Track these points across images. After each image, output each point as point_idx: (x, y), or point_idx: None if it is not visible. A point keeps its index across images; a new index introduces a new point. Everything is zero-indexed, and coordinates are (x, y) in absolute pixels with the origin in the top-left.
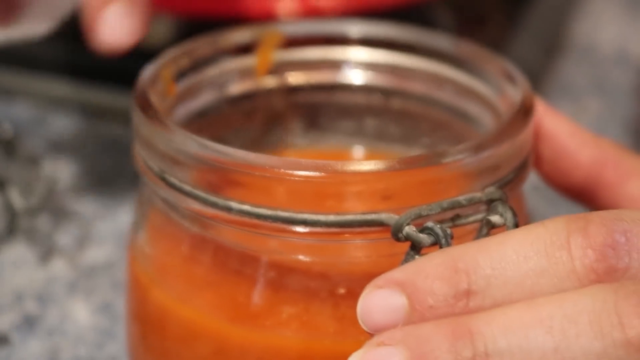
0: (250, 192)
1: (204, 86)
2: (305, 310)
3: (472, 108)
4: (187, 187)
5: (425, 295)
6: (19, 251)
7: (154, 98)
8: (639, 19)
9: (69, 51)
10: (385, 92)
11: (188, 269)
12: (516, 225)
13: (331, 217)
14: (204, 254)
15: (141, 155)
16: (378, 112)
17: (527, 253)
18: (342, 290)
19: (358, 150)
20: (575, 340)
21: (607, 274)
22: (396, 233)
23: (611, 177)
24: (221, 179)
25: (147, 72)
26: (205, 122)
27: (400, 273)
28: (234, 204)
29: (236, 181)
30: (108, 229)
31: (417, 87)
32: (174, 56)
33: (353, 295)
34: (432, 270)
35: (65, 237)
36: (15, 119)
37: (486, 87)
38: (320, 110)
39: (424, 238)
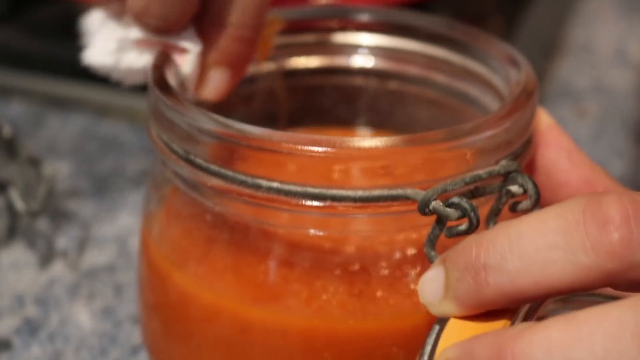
0: (261, 168)
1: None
2: (325, 288)
3: (474, 90)
4: (213, 166)
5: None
6: (19, 254)
7: (171, 78)
8: (636, 20)
9: (68, 50)
10: (384, 75)
11: (209, 251)
12: (538, 193)
13: (359, 193)
14: (225, 233)
15: (160, 135)
16: (378, 95)
17: (542, 229)
18: (364, 268)
19: (361, 131)
20: (619, 358)
21: (622, 243)
22: (423, 208)
23: None
24: (237, 155)
25: (162, 53)
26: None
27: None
28: (264, 182)
29: (253, 157)
30: (109, 231)
31: (417, 70)
32: None
33: (376, 272)
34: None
35: (65, 240)
36: (14, 118)
37: (488, 69)
38: (320, 93)
39: (452, 212)
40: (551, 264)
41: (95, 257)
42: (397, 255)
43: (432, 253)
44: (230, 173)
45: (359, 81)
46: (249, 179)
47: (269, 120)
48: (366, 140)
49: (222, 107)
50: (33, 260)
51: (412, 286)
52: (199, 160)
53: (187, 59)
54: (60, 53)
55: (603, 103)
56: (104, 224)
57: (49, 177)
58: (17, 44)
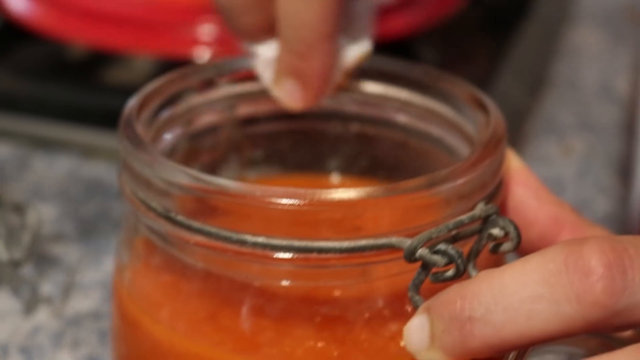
0: (231, 220)
1: (172, 122)
2: (306, 337)
3: (441, 132)
4: (196, 223)
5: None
6: (3, 301)
7: (140, 129)
8: (622, 55)
9: (54, 91)
10: (348, 118)
11: (186, 301)
12: (519, 236)
13: (345, 244)
14: (203, 284)
15: (134, 191)
16: (343, 139)
17: (525, 280)
18: (346, 317)
19: (330, 178)
20: None
21: (605, 293)
22: (410, 256)
23: (567, 239)
24: (207, 207)
25: (132, 103)
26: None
27: None
28: (249, 237)
29: (222, 209)
30: (93, 277)
31: (381, 112)
32: (156, 88)
33: (358, 320)
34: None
35: (50, 286)
36: None
37: (454, 111)
38: (284, 139)
39: (439, 259)
40: (535, 315)
41: (80, 303)
42: (379, 303)
43: (417, 297)
44: (214, 230)
45: (323, 126)
46: (234, 235)
47: (232, 168)
48: (345, 192)
49: (187, 158)
50: (17, 308)
51: (394, 334)
52: (180, 218)
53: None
54: (46, 94)
55: (588, 140)
56: (89, 269)
57: (34, 224)
58: (2, 85)
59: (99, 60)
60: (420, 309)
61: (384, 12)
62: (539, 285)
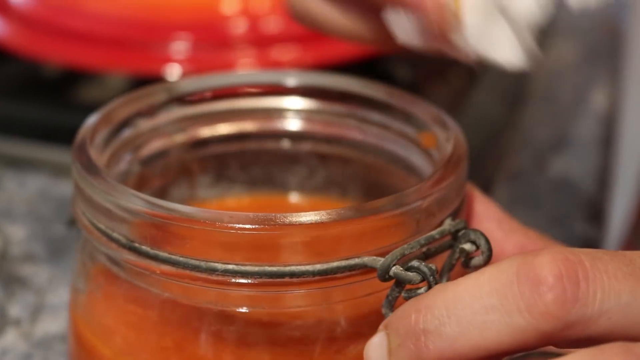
0: (190, 247)
1: (123, 147)
2: None
3: (400, 150)
4: (163, 253)
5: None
6: None
7: (94, 151)
8: (598, 70)
9: (24, 110)
10: (302, 138)
11: (146, 330)
12: (490, 249)
13: (318, 267)
14: (162, 311)
15: (83, 212)
16: (298, 158)
17: (478, 292)
18: (318, 340)
19: (285, 198)
20: None
21: (555, 304)
22: (383, 275)
23: None
24: (167, 235)
25: (85, 128)
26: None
27: None
28: (219, 265)
29: (182, 236)
30: (63, 298)
31: (337, 131)
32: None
33: (329, 343)
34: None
35: (18, 308)
36: None
37: (414, 130)
38: (237, 160)
39: (413, 276)
40: (488, 327)
41: (49, 325)
42: (343, 326)
43: (390, 314)
44: (182, 259)
45: (275, 145)
46: (203, 263)
47: (184, 192)
48: (312, 215)
49: (139, 183)
50: None
51: (357, 357)
52: (145, 248)
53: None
54: (18, 113)
55: (564, 155)
56: (58, 290)
57: (1, 246)
58: None
59: (72, 79)
60: (380, 325)
61: None
62: (491, 296)
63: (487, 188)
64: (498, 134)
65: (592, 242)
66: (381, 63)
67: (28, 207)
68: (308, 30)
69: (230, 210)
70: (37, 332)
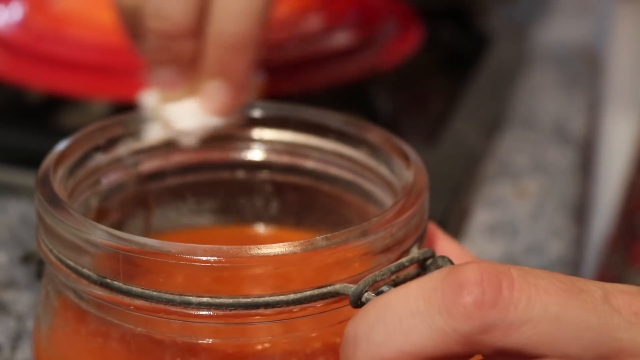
0: (153, 277)
1: (82, 181)
2: None
3: (357, 180)
4: (136, 288)
5: None
6: None
7: (57, 185)
8: (576, 97)
9: (5, 136)
10: (255, 167)
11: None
12: None
13: (292, 296)
14: (126, 344)
15: (50, 248)
16: (254, 188)
17: (406, 298)
18: None
19: (242, 228)
20: None
21: (474, 305)
22: (356, 301)
23: None
24: (130, 267)
25: (47, 161)
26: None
27: None
28: (193, 298)
29: (144, 268)
30: None
31: (294, 160)
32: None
33: None
34: None
35: None
36: None
37: (373, 159)
38: (190, 190)
39: None
40: (412, 330)
41: (30, 352)
42: (322, 353)
43: None
44: (155, 293)
45: (230, 176)
46: (177, 297)
47: (140, 225)
48: (277, 247)
49: (98, 216)
50: None
51: None
52: (117, 284)
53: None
54: (1, 138)
55: (542, 182)
56: None
57: None
58: None
59: (54, 104)
60: None
61: (339, 57)
62: (417, 301)
63: (465, 214)
64: (477, 161)
65: (571, 266)
66: (361, 91)
67: (9, 233)
68: (288, 59)
69: (187, 242)
70: (17, 358)
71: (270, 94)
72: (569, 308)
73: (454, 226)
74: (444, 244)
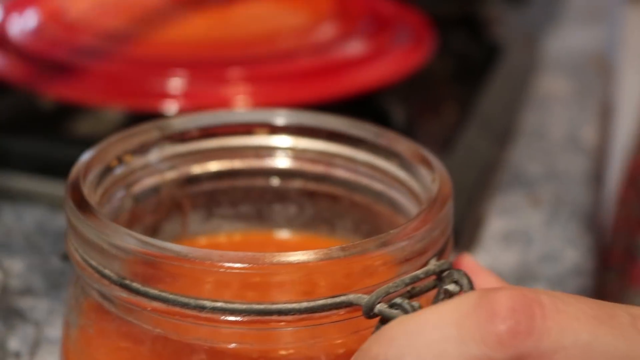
0: (179, 284)
1: (115, 185)
2: None
3: (386, 190)
4: (153, 290)
5: None
6: None
7: (87, 191)
8: (589, 104)
9: (21, 143)
10: (289, 175)
11: None
12: (472, 289)
13: (304, 304)
14: (149, 348)
15: (76, 248)
16: (287, 196)
17: (437, 322)
18: None
19: (273, 235)
20: None
21: (508, 334)
22: (368, 312)
23: None
24: (158, 272)
25: (78, 165)
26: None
27: None
28: (208, 303)
29: (172, 274)
30: (61, 331)
31: (323, 169)
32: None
33: None
34: None
35: (17, 341)
36: None
37: (400, 169)
38: (225, 196)
39: (397, 314)
40: (445, 356)
41: (48, 358)
42: None
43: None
44: (171, 296)
45: (264, 183)
46: (192, 301)
47: (175, 228)
48: (299, 254)
49: (131, 220)
50: None
51: None
52: (135, 285)
53: None
54: (14, 146)
55: (556, 190)
56: (57, 323)
57: (1, 279)
58: None
59: (68, 112)
60: None
61: (352, 66)
62: (449, 326)
63: (479, 223)
64: (490, 170)
65: (584, 274)
66: (375, 100)
67: (26, 241)
68: (303, 68)
69: (220, 246)
70: None
71: (285, 103)
72: (599, 335)
73: (468, 235)
74: (483, 277)
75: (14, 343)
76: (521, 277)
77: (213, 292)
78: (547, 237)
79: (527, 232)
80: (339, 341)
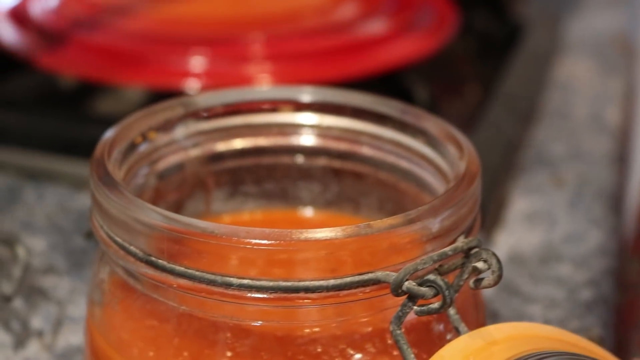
0: (205, 261)
1: (139, 162)
2: None
3: (412, 168)
4: (179, 267)
5: None
6: None
7: (111, 167)
8: (612, 85)
9: (43, 122)
10: (313, 153)
11: (162, 342)
12: (501, 269)
13: (331, 282)
14: (178, 325)
15: (101, 225)
16: (312, 173)
17: None
18: (334, 357)
19: (298, 213)
20: None
21: None
22: (396, 289)
23: None
24: (184, 249)
25: (103, 142)
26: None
27: None
28: (234, 280)
29: (198, 251)
30: (84, 310)
31: (348, 146)
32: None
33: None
34: None
35: (40, 319)
36: None
37: (427, 147)
38: (249, 174)
39: (427, 291)
40: None
41: (71, 337)
42: (364, 340)
43: (398, 331)
44: (198, 273)
45: (288, 160)
46: (219, 278)
47: (198, 205)
48: (326, 231)
49: (155, 196)
50: (7, 342)
51: None
52: (161, 262)
53: None
54: (36, 125)
55: (580, 171)
56: (79, 302)
57: (24, 258)
58: None
59: (89, 91)
60: None
61: (375, 45)
62: None
63: (503, 203)
64: (513, 149)
65: (609, 255)
66: (398, 79)
67: (48, 220)
68: (325, 47)
69: (245, 224)
70: (59, 343)
71: (306, 81)
72: None
73: (492, 215)
74: None
75: (36, 322)
76: (545, 258)
77: (238, 269)
78: (571, 217)
79: (551, 212)
80: (365, 319)
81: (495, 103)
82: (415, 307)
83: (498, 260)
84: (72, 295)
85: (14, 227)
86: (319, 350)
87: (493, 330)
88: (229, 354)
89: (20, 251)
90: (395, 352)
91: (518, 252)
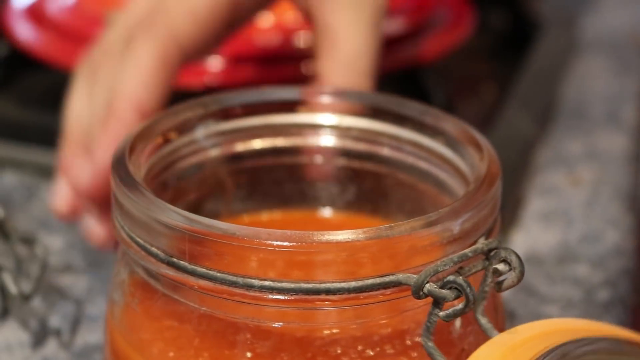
0: (223, 261)
1: (160, 162)
2: None
3: (432, 169)
4: (200, 269)
5: None
6: (12, 334)
7: (132, 167)
8: (629, 82)
9: (59, 120)
10: (333, 153)
11: (178, 342)
12: (522, 265)
13: (353, 284)
14: (194, 325)
15: (122, 225)
16: (331, 174)
17: None
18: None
19: (317, 213)
20: None
21: None
22: (417, 291)
23: None
24: (202, 248)
25: (124, 142)
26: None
27: None
28: (256, 281)
29: (217, 251)
30: (102, 309)
31: (366, 147)
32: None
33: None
34: None
35: (58, 318)
36: (6, 190)
37: (447, 148)
38: (270, 174)
39: (448, 293)
40: None
41: (89, 336)
42: (384, 342)
43: (430, 344)
44: (219, 274)
45: (308, 161)
46: (240, 279)
47: (218, 205)
48: (347, 233)
49: (175, 196)
50: (26, 340)
51: None
52: (182, 263)
53: None
54: (52, 123)
55: (596, 169)
56: (98, 301)
57: (42, 257)
58: (8, 115)
59: None
60: None
61: (391, 43)
62: None
63: (519, 203)
64: (530, 148)
65: (625, 255)
66: (414, 78)
67: None
68: None
69: (263, 225)
70: (77, 342)
71: None
72: None
73: (509, 214)
74: None
75: (54, 320)
76: (562, 258)
77: (257, 270)
78: (587, 217)
79: (567, 212)
80: (384, 321)
81: (511, 102)
82: (441, 313)
83: (518, 257)
84: (90, 294)
85: (32, 225)
86: (339, 351)
87: (525, 329)
88: (248, 354)
89: (39, 250)
90: (415, 354)
91: (535, 252)
